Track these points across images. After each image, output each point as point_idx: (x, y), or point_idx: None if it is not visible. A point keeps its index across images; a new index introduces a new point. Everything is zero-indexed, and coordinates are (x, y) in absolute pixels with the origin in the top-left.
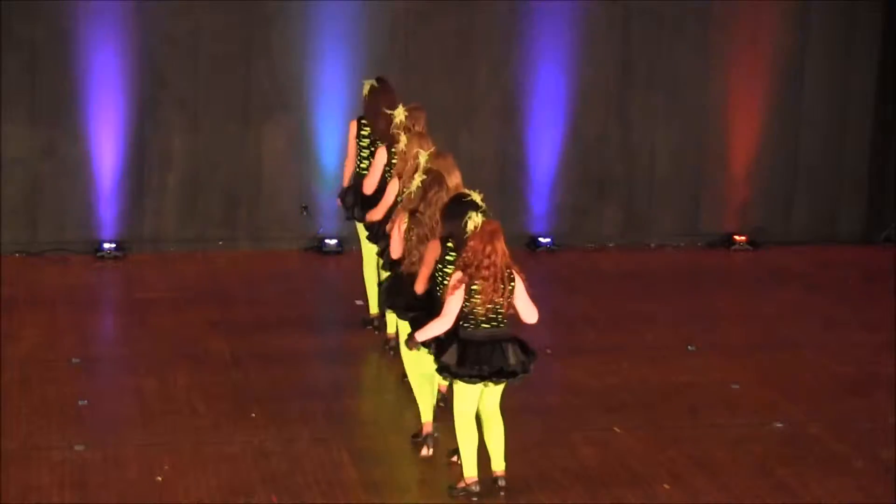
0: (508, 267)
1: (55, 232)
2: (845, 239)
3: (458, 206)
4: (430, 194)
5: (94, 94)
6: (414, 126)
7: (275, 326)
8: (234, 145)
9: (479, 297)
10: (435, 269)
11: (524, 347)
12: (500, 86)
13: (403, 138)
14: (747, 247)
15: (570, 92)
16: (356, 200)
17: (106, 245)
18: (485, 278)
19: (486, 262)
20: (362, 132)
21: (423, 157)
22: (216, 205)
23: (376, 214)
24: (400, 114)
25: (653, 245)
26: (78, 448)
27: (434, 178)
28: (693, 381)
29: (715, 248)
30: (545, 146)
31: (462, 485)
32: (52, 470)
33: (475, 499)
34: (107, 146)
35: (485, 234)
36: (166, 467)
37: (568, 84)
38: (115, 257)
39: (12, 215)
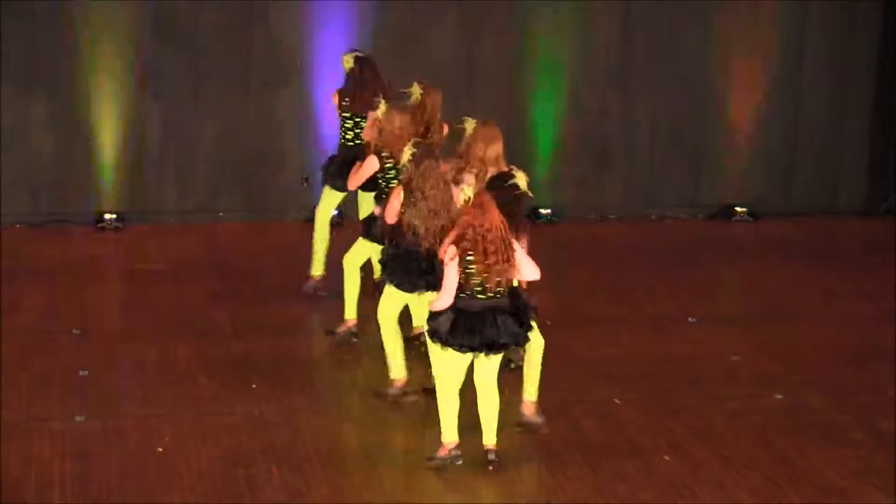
0: (506, 237)
1: (56, 203)
2: (845, 210)
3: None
4: (422, 167)
5: (95, 65)
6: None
7: (275, 297)
8: (235, 116)
9: (473, 266)
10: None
11: (520, 320)
12: (502, 56)
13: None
14: (748, 218)
15: (571, 62)
16: (338, 171)
17: (106, 216)
18: (485, 252)
19: (487, 236)
20: (343, 103)
21: (469, 125)
22: (217, 176)
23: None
24: (415, 91)
25: (653, 216)
26: (78, 419)
27: (424, 151)
28: (693, 352)
29: (715, 219)
30: (546, 117)
31: (443, 453)
32: (52, 441)
33: (459, 463)
34: (107, 117)
35: (476, 207)
36: (167, 438)
37: (569, 54)
38: (116, 228)
39: (13, 186)
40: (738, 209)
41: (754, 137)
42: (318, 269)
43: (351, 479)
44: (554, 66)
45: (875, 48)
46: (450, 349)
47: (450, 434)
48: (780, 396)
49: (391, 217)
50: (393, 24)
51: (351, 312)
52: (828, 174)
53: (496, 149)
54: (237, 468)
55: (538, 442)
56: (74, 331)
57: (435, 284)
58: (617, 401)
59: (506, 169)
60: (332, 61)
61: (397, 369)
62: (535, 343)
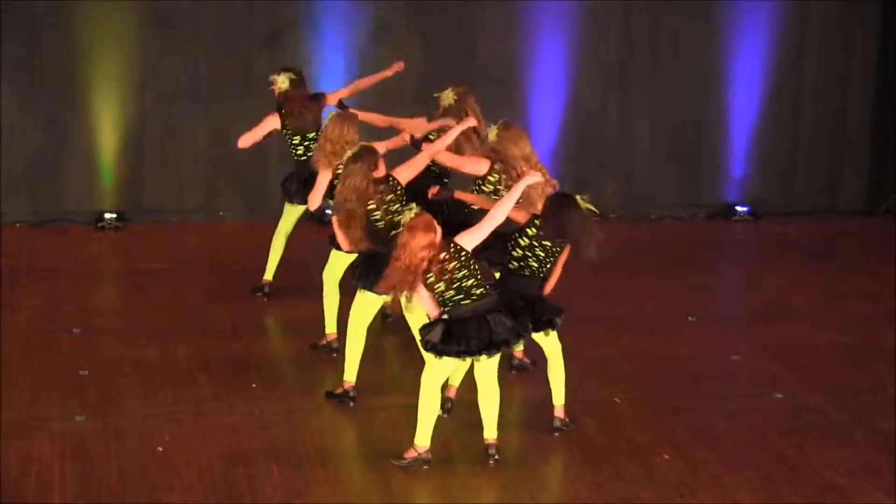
0: (433, 258)
1: (56, 202)
2: (846, 209)
3: (560, 203)
4: (345, 171)
5: (95, 64)
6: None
7: (275, 296)
8: (235, 115)
9: (439, 286)
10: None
11: (514, 313)
12: (501, 56)
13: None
14: (748, 217)
15: (571, 62)
16: (299, 188)
17: (106, 216)
18: (430, 268)
19: (407, 257)
20: (287, 122)
21: (492, 132)
22: (216, 175)
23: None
24: (450, 96)
25: (653, 216)
26: (78, 419)
27: (357, 155)
28: (693, 351)
29: (716, 218)
30: (546, 117)
31: (412, 454)
32: (52, 440)
33: (426, 467)
34: (107, 117)
35: (406, 231)
36: (167, 438)
37: (569, 54)
38: (116, 228)
39: (13, 186)
40: (738, 209)
41: (754, 137)
42: (269, 273)
43: (351, 479)
44: (554, 66)
45: (875, 48)
46: (446, 357)
47: (424, 438)
48: (780, 396)
49: (347, 245)
50: (393, 24)
51: (331, 326)
52: (828, 174)
53: (526, 146)
54: (237, 468)
55: (538, 442)
56: (74, 331)
57: None
58: (617, 400)
59: (537, 164)
60: (333, 61)
61: (351, 372)
62: (554, 350)
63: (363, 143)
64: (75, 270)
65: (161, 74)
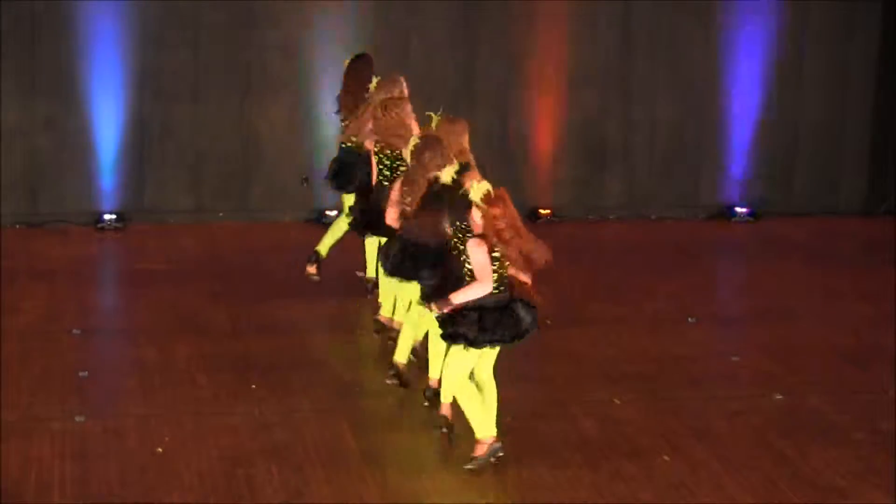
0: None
1: (55, 203)
2: (846, 210)
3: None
4: (425, 158)
5: (95, 65)
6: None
7: (275, 297)
8: (235, 116)
9: (497, 261)
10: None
11: (527, 305)
12: (502, 56)
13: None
14: (748, 218)
15: (571, 63)
16: (333, 172)
17: (106, 216)
18: (506, 242)
19: (503, 226)
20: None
21: (434, 120)
22: (217, 176)
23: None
24: (373, 85)
25: (653, 217)
26: (78, 419)
27: (426, 143)
28: (693, 352)
29: (715, 219)
30: (546, 118)
31: (483, 449)
32: (52, 441)
33: (500, 454)
34: (107, 117)
35: (499, 200)
36: (167, 438)
37: (569, 55)
38: (116, 229)
39: (13, 187)
40: (738, 209)
41: (754, 137)
42: (324, 250)
43: (351, 479)
44: (554, 66)
45: (875, 48)
46: (472, 349)
47: (484, 430)
48: (780, 396)
49: (392, 217)
50: (393, 25)
51: (386, 306)
52: (828, 174)
53: (459, 143)
54: (237, 468)
55: (538, 442)
56: (74, 331)
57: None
58: (617, 401)
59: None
60: (332, 61)
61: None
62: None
63: (422, 133)
64: (75, 271)
65: (161, 74)
